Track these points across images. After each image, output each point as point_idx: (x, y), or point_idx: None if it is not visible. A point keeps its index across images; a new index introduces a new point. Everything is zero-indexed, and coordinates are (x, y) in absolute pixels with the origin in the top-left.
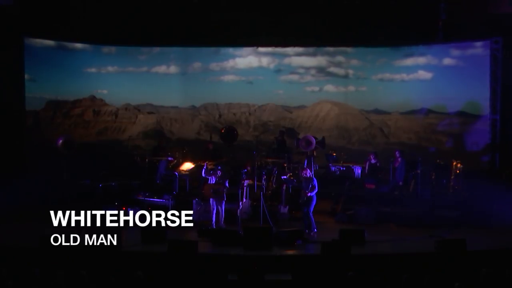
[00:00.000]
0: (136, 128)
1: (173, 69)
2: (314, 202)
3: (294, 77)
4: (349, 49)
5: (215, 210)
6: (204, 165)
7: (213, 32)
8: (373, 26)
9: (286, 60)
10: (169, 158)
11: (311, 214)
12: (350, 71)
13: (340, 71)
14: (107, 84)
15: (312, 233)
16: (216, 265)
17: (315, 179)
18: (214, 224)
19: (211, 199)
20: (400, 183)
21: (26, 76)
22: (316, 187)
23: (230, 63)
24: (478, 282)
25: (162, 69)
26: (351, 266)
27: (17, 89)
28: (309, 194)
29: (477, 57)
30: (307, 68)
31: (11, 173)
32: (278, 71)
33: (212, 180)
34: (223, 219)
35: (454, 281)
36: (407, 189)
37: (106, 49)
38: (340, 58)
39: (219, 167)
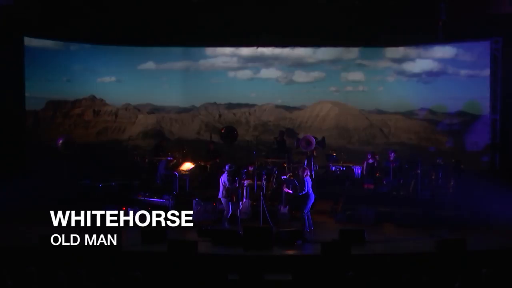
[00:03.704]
0: (136, 128)
1: (173, 69)
2: (311, 201)
3: (293, 77)
4: (347, 49)
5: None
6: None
7: (213, 31)
8: (373, 26)
9: (284, 60)
10: (169, 158)
11: (305, 213)
12: (349, 71)
13: (340, 71)
14: (107, 84)
15: (304, 231)
16: (216, 265)
17: (306, 179)
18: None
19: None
20: (401, 181)
21: (26, 76)
22: (305, 188)
23: (230, 63)
24: (478, 282)
25: (162, 69)
26: (351, 266)
27: (17, 89)
28: (299, 194)
29: (477, 57)
30: (305, 68)
31: (11, 173)
32: (275, 71)
33: (225, 179)
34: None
35: (454, 281)
36: (407, 189)
37: (106, 49)
38: (340, 58)
39: (231, 167)
